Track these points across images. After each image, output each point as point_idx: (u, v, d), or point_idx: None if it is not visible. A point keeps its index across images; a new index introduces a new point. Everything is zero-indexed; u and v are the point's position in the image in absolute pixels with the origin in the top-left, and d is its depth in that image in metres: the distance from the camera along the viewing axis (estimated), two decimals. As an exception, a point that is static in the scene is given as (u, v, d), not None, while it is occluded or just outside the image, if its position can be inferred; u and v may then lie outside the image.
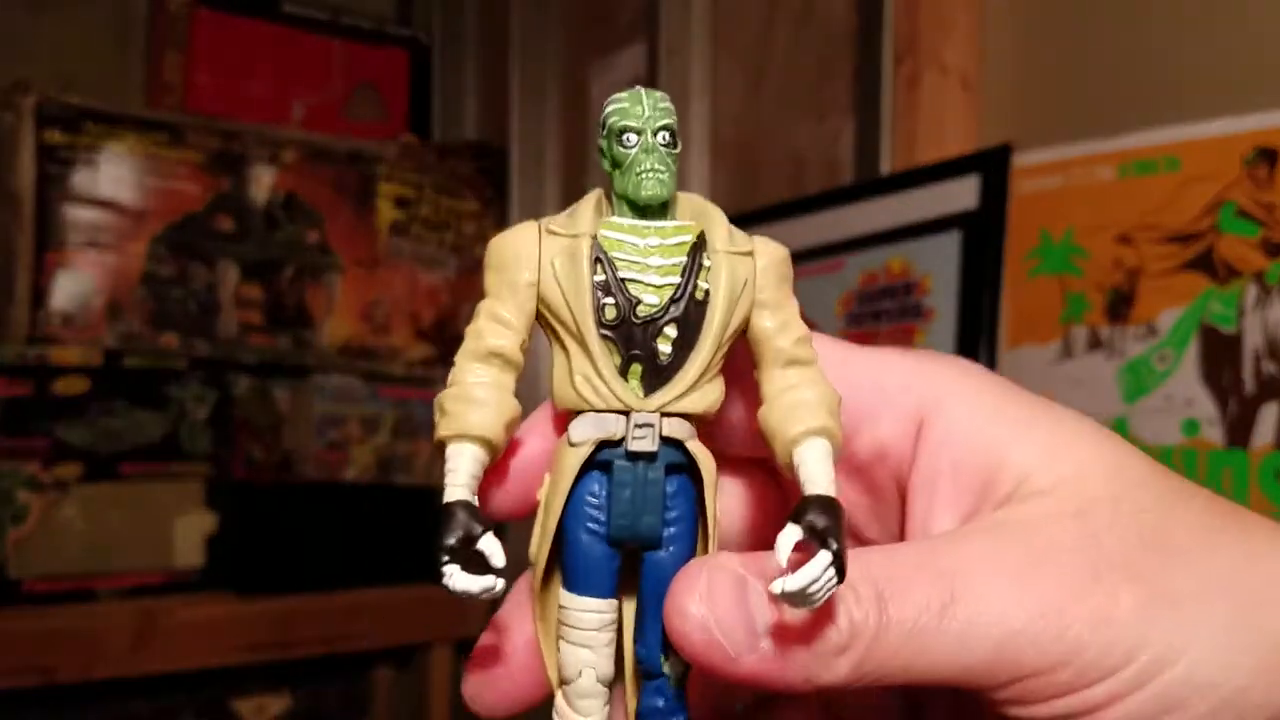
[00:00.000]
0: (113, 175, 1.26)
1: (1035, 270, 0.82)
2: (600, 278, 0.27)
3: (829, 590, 0.24)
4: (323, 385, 1.37)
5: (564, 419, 0.28)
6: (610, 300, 0.27)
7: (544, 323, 0.28)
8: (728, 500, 0.32)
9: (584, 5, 1.40)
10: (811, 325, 0.28)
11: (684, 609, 0.25)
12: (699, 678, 0.28)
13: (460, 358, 0.27)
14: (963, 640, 0.25)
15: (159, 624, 1.17)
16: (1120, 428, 0.75)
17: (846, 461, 0.30)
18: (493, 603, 0.27)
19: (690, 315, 0.27)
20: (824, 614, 0.24)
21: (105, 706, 1.22)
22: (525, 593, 0.30)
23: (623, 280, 0.27)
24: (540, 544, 0.28)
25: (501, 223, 1.48)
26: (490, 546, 0.25)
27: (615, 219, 0.27)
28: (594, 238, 0.27)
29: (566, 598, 0.28)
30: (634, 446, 0.27)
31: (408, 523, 1.29)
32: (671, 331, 0.27)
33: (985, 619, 0.25)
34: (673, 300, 0.27)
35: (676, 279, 0.27)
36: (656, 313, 0.27)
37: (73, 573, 1.19)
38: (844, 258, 0.94)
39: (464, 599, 0.25)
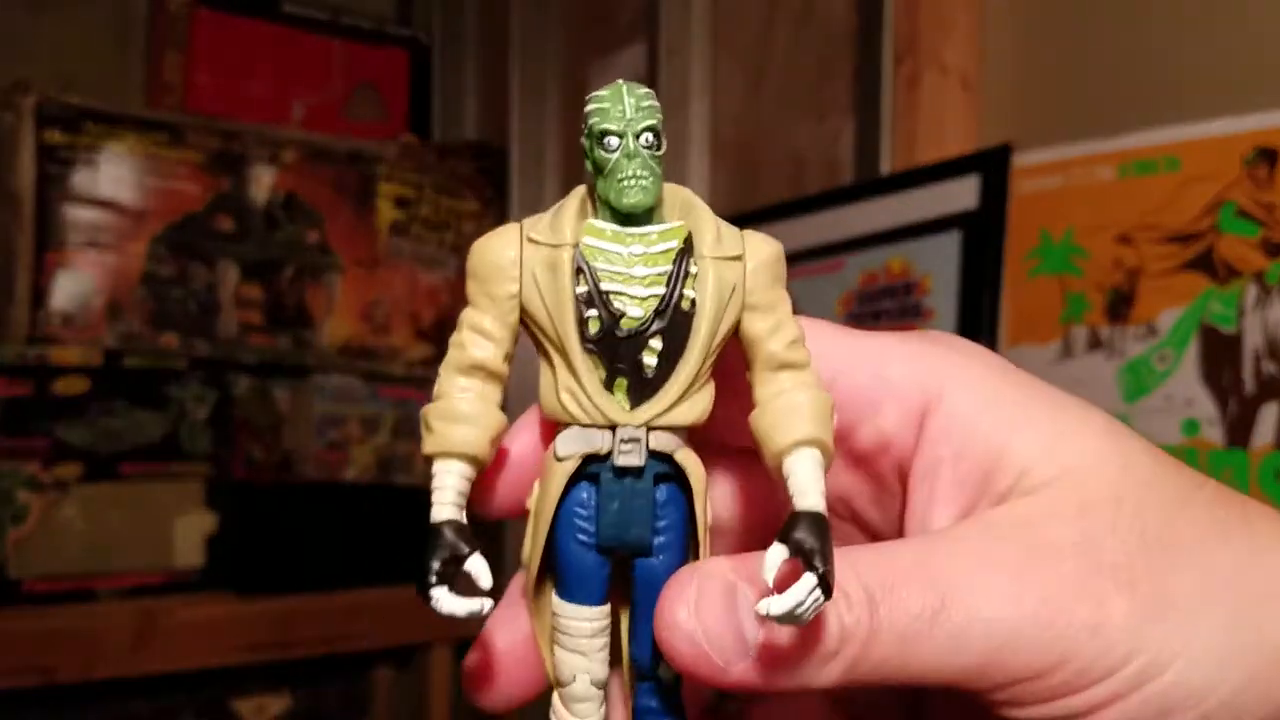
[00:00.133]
0: (113, 175, 1.26)
1: (1035, 270, 0.82)
2: (583, 290, 0.26)
3: (816, 609, 0.24)
4: (323, 385, 1.37)
5: (553, 423, 0.28)
6: (593, 313, 0.26)
7: (529, 333, 0.27)
8: (725, 492, 0.32)
9: (584, 5, 1.40)
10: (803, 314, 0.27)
11: (672, 621, 0.25)
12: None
13: (444, 369, 0.27)
14: (955, 644, 0.25)
15: (159, 624, 1.17)
16: (1120, 428, 0.75)
17: (849, 452, 0.30)
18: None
19: (676, 326, 0.26)
20: (815, 618, 0.24)
21: (105, 706, 1.22)
22: (521, 590, 0.30)
23: (606, 292, 0.26)
24: (531, 552, 0.28)
25: (501, 223, 1.48)
26: (478, 567, 0.25)
27: (598, 224, 0.27)
28: (575, 247, 0.26)
29: (559, 605, 0.28)
30: (620, 461, 0.27)
31: (408, 523, 1.29)
32: (657, 344, 0.26)
33: (978, 624, 0.25)
34: (658, 312, 0.26)
35: (661, 289, 0.26)
36: (641, 325, 0.26)
37: (73, 573, 1.19)
38: (844, 258, 0.94)
39: (451, 620, 0.25)
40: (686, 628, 0.25)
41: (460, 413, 0.26)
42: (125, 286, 1.27)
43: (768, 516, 0.32)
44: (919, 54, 0.89)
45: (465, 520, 0.26)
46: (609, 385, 0.26)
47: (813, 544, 0.24)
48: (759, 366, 0.27)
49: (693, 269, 0.26)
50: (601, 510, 0.27)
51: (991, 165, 0.84)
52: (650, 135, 0.26)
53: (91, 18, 1.43)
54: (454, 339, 0.27)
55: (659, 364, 0.26)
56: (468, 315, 0.27)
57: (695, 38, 1.17)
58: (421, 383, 1.43)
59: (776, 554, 0.24)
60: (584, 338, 0.26)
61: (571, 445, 0.27)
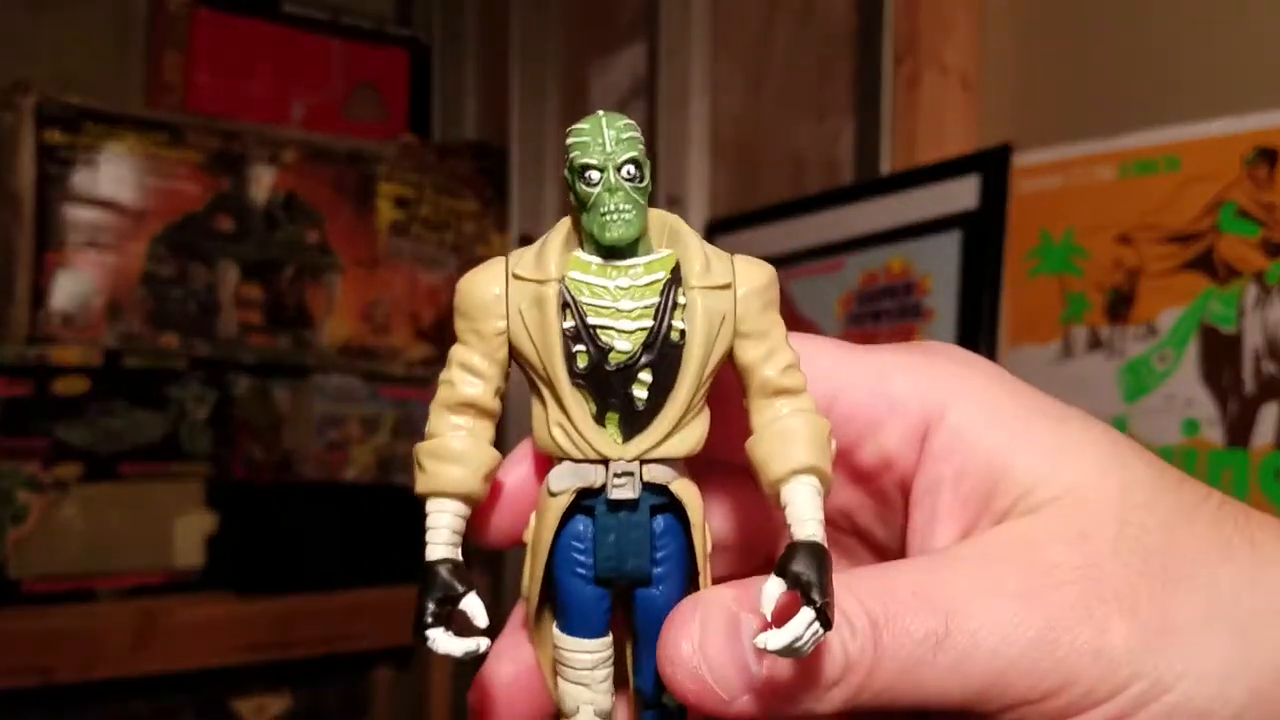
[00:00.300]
0: (113, 175, 1.26)
1: (1035, 270, 0.82)
2: (570, 325, 0.26)
3: (816, 642, 0.23)
4: (323, 385, 1.37)
5: (546, 458, 0.28)
6: (581, 348, 0.26)
7: (519, 367, 0.27)
8: (725, 510, 0.31)
9: (584, 5, 1.40)
10: (811, 327, 0.27)
11: (675, 654, 0.25)
12: None
13: (435, 407, 0.27)
14: (958, 670, 0.25)
15: (159, 624, 1.17)
16: (1120, 427, 0.75)
17: (851, 469, 0.30)
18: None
19: (666, 358, 0.26)
20: (819, 646, 0.24)
21: (105, 706, 1.22)
22: (522, 621, 0.30)
23: (593, 327, 0.26)
24: (530, 585, 0.28)
25: (501, 223, 1.49)
26: (473, 607, 0.25)
27: (584, 257, 0.26)
28: (561, 282, 0.26)
29: (560, 638, 0.28)
30: (614, 495, 0.26)
31: (408, 523, 1.28)
32: (646, 377, 0.26)
33: (980, 651, 0.25)
34: (646, 344, 0.26)
35: (649, 322, 0.26)
36: (630, 358, 0.26)
37: (73, 573, 1.19)
38: (844, 258, 0.94)
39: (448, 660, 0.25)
40: (690, 661, 0.25)
41: (452, 451, 0.26)
42: (125, 286, 1.27)
43: (768, 533, 0.32)
44: (919, 54, 0.89)
45: (460, 559, 0.26)
46: (600, 419, 0.26)
47: (810, 576, 0.24)
48: (754, 393, 0.27)
49: (681, 299, 0.26)
50: (598, 543, 0.27)
51: (991, 165, 0.84)
52: (632, 167, 0.26)
53: (91, 18, 1.43)
54: (443, 376, 0.27)
55: (650, 396, 0.26)
56: (457, 352, 0.27)
57: (695, 38, 1.17)
58: (422, 383, 1.43)
59: (774, 587, 0.24)
60: (573, 373, 0.26)
61: (565, 481, 0.27)
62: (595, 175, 0.26)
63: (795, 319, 0.95)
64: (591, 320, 0.26)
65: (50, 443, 1.19)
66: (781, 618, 0.24)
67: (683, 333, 0.26)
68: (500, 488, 0.29)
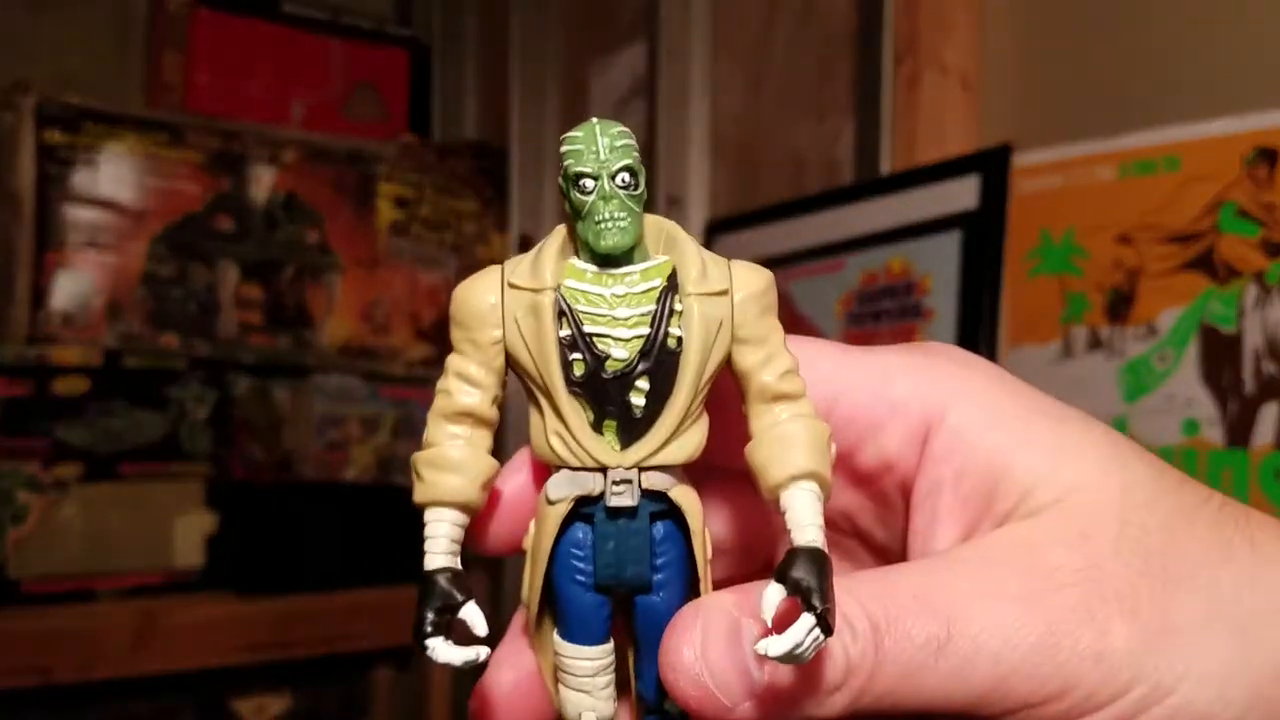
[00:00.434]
0: (113, 175, 1.26)
1: (1035, 270, 0.82)
2: (566, 333, 0.26)
3: (816, 648, 0.23)
4: (323, 385, 1.37)
5: (544, 465, 0.28)
6: (577, 356, 0.26)
7: (516, 376, 0.27)
8: (725, 514, 0.31)
9: (584, 5, 1.40)
10: (811, 327, 0.27)
11: (677, 661, 0.25)
12: None
13: (432, 416, 0.27)
14: (960, 675, 0.25)
15: (159, 624, 1.17)
16: (1120, 427, 0.75)
17: (852, 472, 0.30)
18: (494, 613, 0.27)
19: (663, 365, 0.26)
20: (820, 651, 0.24)
21: (105, 706, 1.22)
22: (522, 628, 0.30)
23: (589, 335, 0.26)
24: (530, 593, 0.28)
25: (501, 223, 1.49)
26: (472, 615, 0.25)
27: (579, 265, 0.26)
28: (557, 290, 0.26)
29: (561, 645, 0.28)
30: (613, 503, 0.26)
31: (408, 523, 1.28)
32: (644, 384, 0.26)
33: (982, 655, 0.25)
34: (643, 352, 0.26)
35: (646, 329, 0.26)
36: (626, 366, 0.26)
37: (72, 573, 1.19)
38: (844, 258, 0.94)
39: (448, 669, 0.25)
40: (692, 668, 0.25)
41: (450, 461, 0.26)
42: (125, 286, 1.27)
43: (768, 538, 0.32)
44: (919, 54, 0.89)
45: (459, 567, 0.26)
46: (598, 427, 0.26)
47: (810, 582, 0.24)
48: (753, 399, 0.27)
49: (677, 306, 0.26)
50: (597, 551, 0.27)
51: (991, 165, 0.84)
52: (626, 175, 0.26)
53: (91, 18, 1.43)
54: (440, 385, 0.27)
55: (647, 404, 0.26)
56: (453, 362, 0.27)
57: (695, 38, 1.17)
58: (422, 383, 1.43)
59: (774, 593, 0.24)
60: (569, 381, 0.26)
61: (563, 489, 0.27)
62: (590, 183, 0.26)
63: (795, 319, 0.95)
64: (588, 328, 0.26)
65: (50, 443, 1.19)
66: (782, 623, 0.24)
67: (680, 339, 0.26)
68: (499, 496, 0.29)
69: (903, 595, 0.26)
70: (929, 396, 0.29)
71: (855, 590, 0.25)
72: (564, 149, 0.26)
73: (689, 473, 0.28)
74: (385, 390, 1.41)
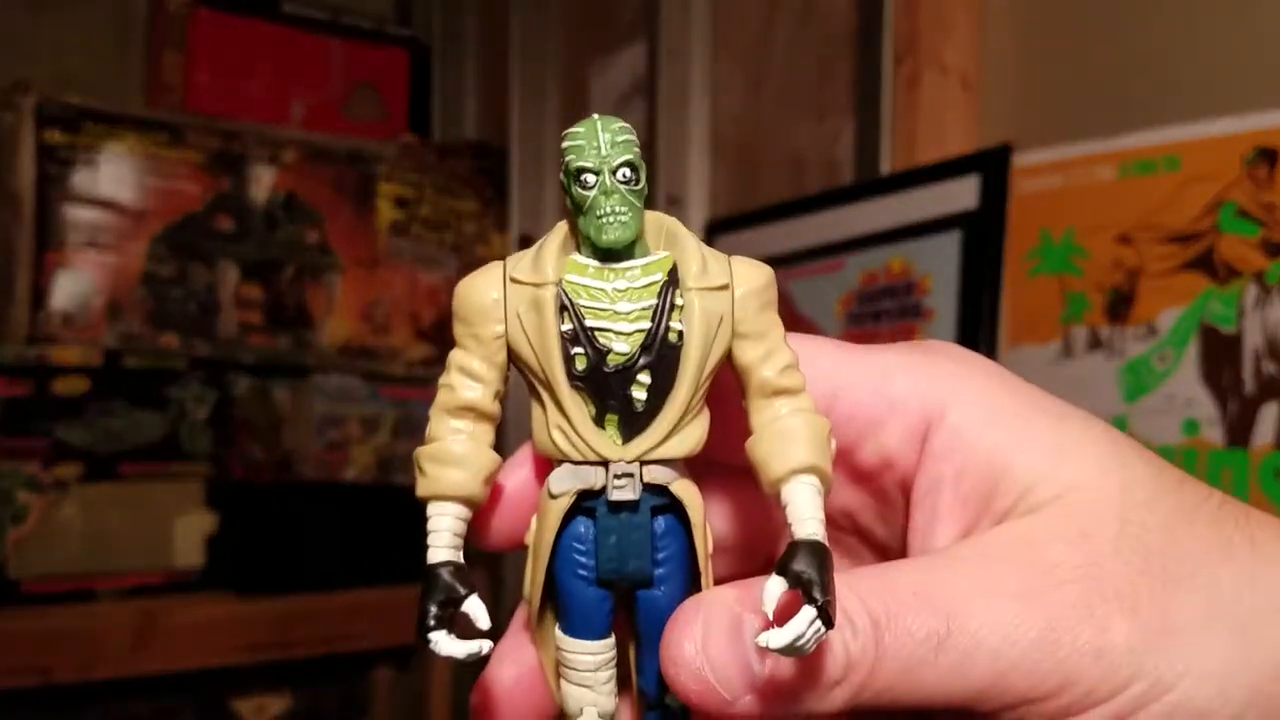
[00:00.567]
0: (113, 175, 1.26)
1: (1035, 270, 0.82)
2: (568, 327, 0.26)
3: (818, 640, 0.24)
4: (323, 385, 1.37)
5: (546, 460, 0.28)
6: (579, 350, 0.26)
7: (518, 371, 0.27)
8: (725, 510, 0.31)
9: (584, 5, 1.40)
10: (811, 327, 0.27)
11: (678, 655, 0.25)
12: None
13: (434, 411, 0.27)
14: (959, 670, 0.25)
15: (159, 624, 1.17)
16: (1120, 427, 0.74)
17: (852, 469, 0.30)
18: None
19: (664, 359, 0.26)
20: (821, 646, 0.24)
21: (105, 706, 1.22)
22: (524, 623, 0.30)
23: (591, 329, 0.26)
24: (532, 588, 0.28)
25: (501, 223, 1.49)
26: (475, 609, 0.25)
27: (581, 260, 0.26)
28: (558, 285, 0.26)
29: (562, 639, 0.28)
30: (615, 496, 0.27)
31: (408, 523, 1.28)
32: (645, 378, 0.26)
33: (982, 651, 0.25)
34: (644, 346, 0.26)
35: (647, 324, 0.26)
36: (628, 360, 0.26)
37: (72, 573, 1.19)
38: (844, 258, 0.94)
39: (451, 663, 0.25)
40: (693, 662, 0.25)
41: (452, 455, 0.26)
42: (125, 286, 1.27)
43: (769, 533, 0.32)
44: (919, 54, 0.89)
45: (461, 561, 0.26)
46: (599, 421, 0.26)
47: (811, 575, 0.24)
48: (753, 394, 0.27)
49: (678, 301, 0.26)
50: (599, 545, 0.27)
51: (991, 165, 0.84)
52: (627, 170, 0.26)
53: (91, 18, 1.43)
54: (443, 380, 0.27)
55: (649, 398, 0.26)
56: (455, 357, 0.27)
57: (695, 38, 1.17)
58: (422, 382, 1.43)
59: (775, 586, 0.24)
60: (571, 375, 0.26)
61: (565, 483, 0.27)
62: (591, 178, 0.26)
63: (795, 319, 0.95)
64: (589, 322, 0.26)
65: (50, 443, 1.19)
66: (783, 617, 0.24)
67: (681, 334, 0.26)
68: (501, 491, 0.29)
69: (903, 591, 0.26)
70: (929, 394, 0.29)
71: (856, 586, 0.25)
72: (565, 144, 0.26)
73: (690, 469, 0.28)
74: (385, 390, 1.41)
